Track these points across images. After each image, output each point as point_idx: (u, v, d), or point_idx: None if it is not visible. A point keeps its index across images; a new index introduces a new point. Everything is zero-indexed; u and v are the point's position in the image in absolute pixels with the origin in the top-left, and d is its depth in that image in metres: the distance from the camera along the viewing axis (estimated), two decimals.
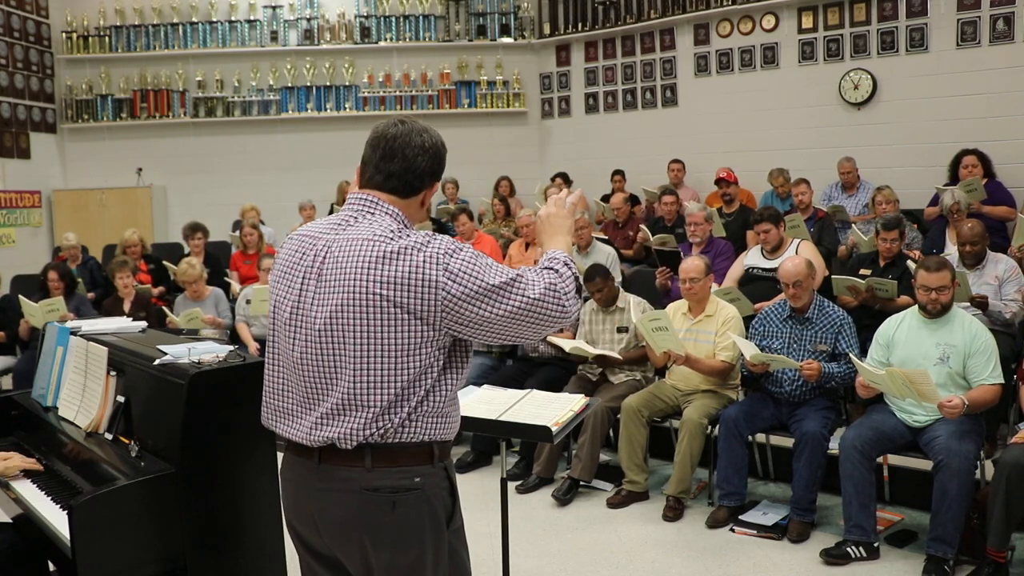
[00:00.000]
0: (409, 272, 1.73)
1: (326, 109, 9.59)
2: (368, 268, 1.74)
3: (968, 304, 4.40)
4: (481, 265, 1.76)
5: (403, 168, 1.85)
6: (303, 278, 1.83)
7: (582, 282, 1.92)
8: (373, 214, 1.84)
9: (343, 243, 1.80)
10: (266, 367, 1.94)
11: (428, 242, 1.76)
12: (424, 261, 1.73)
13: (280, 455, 2.61)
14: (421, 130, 1.88)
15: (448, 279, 1.73)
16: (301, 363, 1.82)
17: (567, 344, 4.66)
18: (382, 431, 1.76)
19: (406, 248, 1.74)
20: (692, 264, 4.48)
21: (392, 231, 1.79)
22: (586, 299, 5.03)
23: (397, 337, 1.73)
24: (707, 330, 4.41)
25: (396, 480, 1.78)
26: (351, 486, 1.78)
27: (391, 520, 1.78)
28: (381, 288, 1.73)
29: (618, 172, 8.62)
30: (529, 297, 1.77)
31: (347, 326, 1.75)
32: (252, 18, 9.56)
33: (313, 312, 1.80)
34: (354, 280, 1.74)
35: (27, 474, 2.80)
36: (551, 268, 1.86)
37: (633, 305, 4.63)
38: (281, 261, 1.91)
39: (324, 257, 1.81)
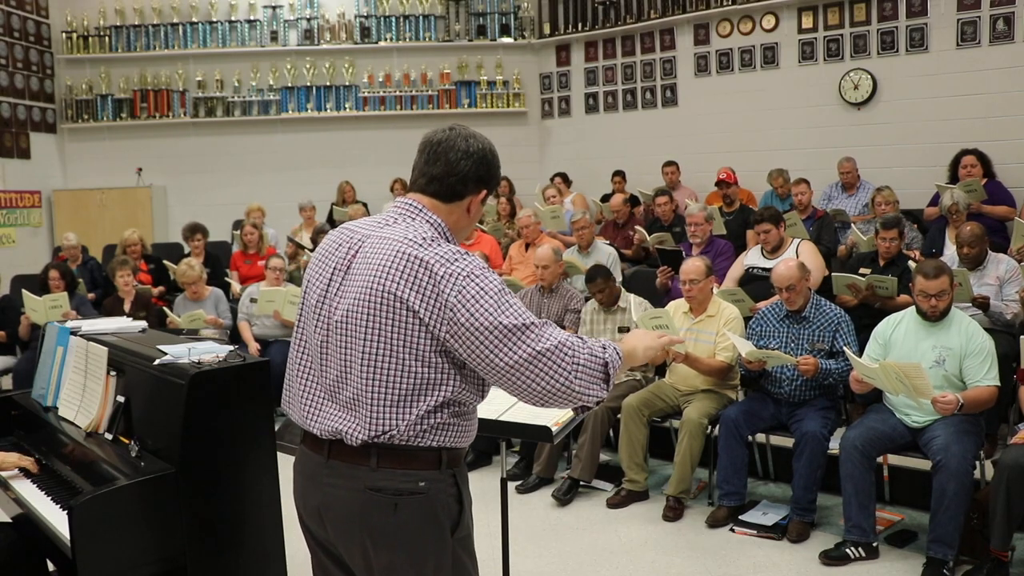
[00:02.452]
0: (427, 282, 1.72)
1: (326, 109, 9.59)
2: (390, 268, 1.75)
3: (969, 304, 4.40)
4: (499, 300, 1.73)
5: (445, 171, 1.86)
6: (334, 269, 1.86)
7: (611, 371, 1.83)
8: (413, 219, 1.85)
9: (376, 240, 1.82)
10: (291, 352, 1.96)
11: (455, 259, 1.75)
12: (443, 277, 1.72)
13: (280, 455, 2.63)
14: (468, 135, 1.89)
15: (458, 301, 1.71)
16: (323, 352, 1.84)
17: None
18: (388, 434, 1.75)
19: (432, 259, 1.74)
20: (692, 265, 4.45)
21: (424, 238, 1.79)
22: (587, 299, 5.04)
23: (406, 340, 1.73)
24: (708, 330, 4.40)
25: (400, 482, 1.78)
26: (356, 484, 1.79)
27: (392, 522, 1.78)
28: (398, 290, 1.73)
29: (618, 172, 8.61)
30: (535, 349, 1.72)
31: (361, 321, 1.76)
32: (252, 18, 9.56)
33: (335, 303, 1.82)
34: (375, 278, 1.76)
35: (27, 474, 2.80)
36: (589, 343, 1.80)
37: (634, 305, 4.63)
38: (320, 249, 1.94)
39: (356, 252, 1.84)
